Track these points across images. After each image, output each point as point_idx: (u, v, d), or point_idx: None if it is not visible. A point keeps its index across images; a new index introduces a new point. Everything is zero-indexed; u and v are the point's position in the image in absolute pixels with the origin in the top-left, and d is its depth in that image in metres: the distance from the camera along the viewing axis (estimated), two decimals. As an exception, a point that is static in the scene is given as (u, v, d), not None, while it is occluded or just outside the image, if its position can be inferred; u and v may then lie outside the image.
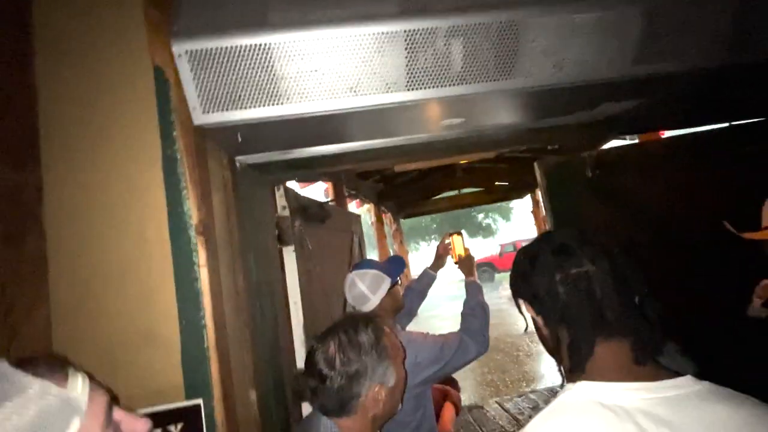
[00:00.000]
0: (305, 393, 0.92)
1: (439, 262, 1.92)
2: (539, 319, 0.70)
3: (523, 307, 0.73)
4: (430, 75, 1.04)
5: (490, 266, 16.65)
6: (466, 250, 1.80)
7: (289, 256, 1.73)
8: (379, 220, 8.30)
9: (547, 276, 0.65)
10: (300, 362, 1.68)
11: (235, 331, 1.13)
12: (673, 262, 1.87)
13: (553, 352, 0.70)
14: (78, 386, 0.45)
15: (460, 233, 1.85)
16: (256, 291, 1.36)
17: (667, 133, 2.66)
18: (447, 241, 1.84)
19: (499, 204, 18.83)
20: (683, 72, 1.15)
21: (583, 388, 0.59)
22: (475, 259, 1.82)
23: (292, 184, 2.00)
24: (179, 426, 0.93)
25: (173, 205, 0.98)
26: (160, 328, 0.95)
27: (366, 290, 1.49)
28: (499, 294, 12.60)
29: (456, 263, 1.81)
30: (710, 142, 2.06)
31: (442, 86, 1.07)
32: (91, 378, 0.48)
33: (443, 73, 1.06)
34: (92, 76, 1.01)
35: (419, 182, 7.58)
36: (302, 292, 1.73)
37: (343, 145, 1.39)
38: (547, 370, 5.48)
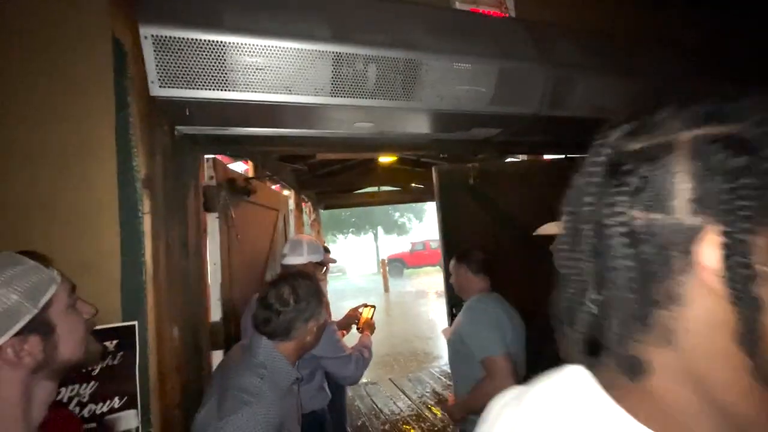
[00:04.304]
0: (257, 322, 1.16)
1: (345, 321, 2.28)
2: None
3: None
4: (350, 87, 1.39)
5: (401, 262, 17.75)
6: (371, 318, 2.19)
7: (212, 222, 1.92)
8: (299, 208, 8.39)
9: None
10: (215, 317, 1.89)
11: (166, 273, 1.33)
12: (526, 254, 2.50)
13: None
14: (55, 271, 0.72)
15: (373, 306, 2.25)
16: (183, 247, 1.55)
17: (548, 157, 3.35)
18: (360, 310, 2.22)
19: (414, 204, 20.07)
20: (522, 114, 1.68)
21: None
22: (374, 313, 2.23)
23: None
24: (114, 342, 1.12)
25: (123, 159, 1.16)
26: (101, 261, 1.13)
27: (305, 245, 1.83)
28: (406, 288, 13.54)
29: (358, 329, 2.16)
30: (554, 168, 2.78)
31: (358, 97, 1.42)
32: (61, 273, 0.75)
33: (360, 88, 1.41)
34: (50, 34, 1.13)
35: (341, 175, 7.87)
36: (222, 256, 1.94)
37: (272, 129, 1.65)
38: (440, 353, 6.27)
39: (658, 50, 1.92)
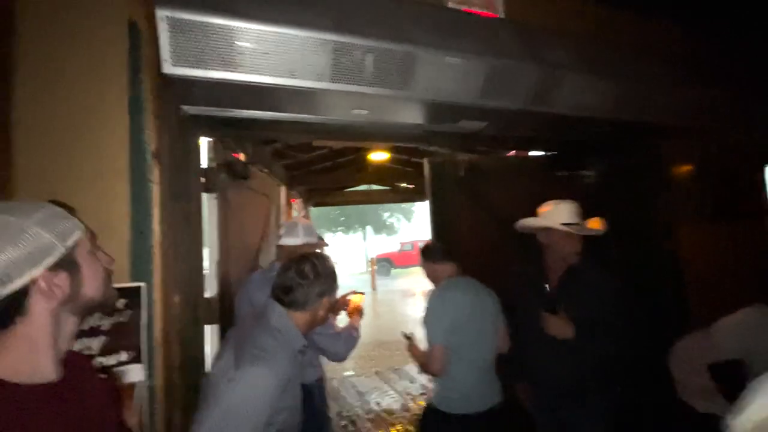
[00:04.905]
0: (277, 291, 1.23)
1: (336, 307, 2.32)
2: None
3: None
4: (349, 75, 1.49)
5: (388, 261, 17.88)
6: (360, 304, 2.23)
7: (211, 203, 2.00)
8: (288, 204, 8.43)
9: None
10: (210, 293, 1.96)
11: (171, 243, 1.41)
12: (509, 244, 2.61)
13: None
14: (78, 221, 0.78)
15: (362, 293, 2.31)
16: (185, 221, 1.62)
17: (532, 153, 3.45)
18: (349, 297, 2.24)
19: (403, 205, 20.19)
20: (508, 108, 1.80)
21: None
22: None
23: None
24: (123, 301, 1.20)
25: (135, 131, 1.24)
26: (113, 226, 1.20)
27: (301, 228, 1.90)
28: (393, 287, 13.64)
29: (347, 314, 2.19)
30: (536, 164, 2.92)
31: (356, 84, 1.52)
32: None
33: (358, 76, 1.51)
34: (69, 15, 1.20)
35: (332, 173, 7.93)
36: (219, 235, 2.01)
37: (274, 113, 1.74)
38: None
39: (641, 56, 2.07)
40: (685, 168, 2.49)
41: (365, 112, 1.74)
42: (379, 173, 8.32)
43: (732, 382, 1.32)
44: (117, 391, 1.00)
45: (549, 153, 2.65)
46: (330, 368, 5.29)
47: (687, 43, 2.37)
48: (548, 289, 1.82)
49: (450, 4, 1.95)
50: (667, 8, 2.36)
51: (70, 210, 0.80)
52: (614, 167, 2.61)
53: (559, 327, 1.68)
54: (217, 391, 1.01)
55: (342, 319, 2.41)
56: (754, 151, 2.83)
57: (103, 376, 1.09)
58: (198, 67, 1.27)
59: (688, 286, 2.39)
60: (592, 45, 1.91)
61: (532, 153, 3.00)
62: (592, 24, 2.15)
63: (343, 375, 5.36)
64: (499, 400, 1.79)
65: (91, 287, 0.77)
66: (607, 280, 1.76)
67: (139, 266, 1.22)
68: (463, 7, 1.96)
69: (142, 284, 1.22)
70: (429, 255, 1.92)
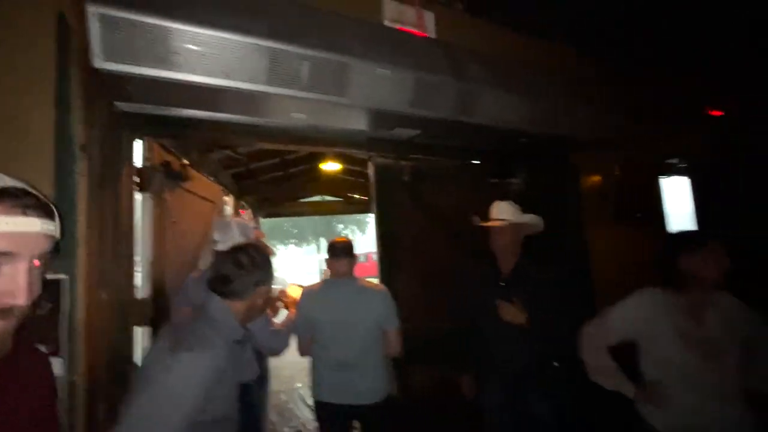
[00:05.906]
0: (214, 282, 1.24)
1: (273, 301, 2.29)
2: None
3: None
4: (285, 79, 1.58)
5: (342, 274, 17.72)
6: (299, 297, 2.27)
7: (146, 203, 1.96)
8: (237, 214, 8.17)
9: None
10: (143, 294, 1.91)
11: (98, 239, 1.39)
12: (450, 245, 2.79)
13: None
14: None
15: (301, 285, 2.34)
16: (115, 219, 1.60)
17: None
18: (286, 290, 2.28)
19: (357, 216, 20.28)
20: (436, 118, 1.99)
21: None
22: None
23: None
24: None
25: (61, 124, 1.23)
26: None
27: (235, 228, 1.92)
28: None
29: (285, 307, 2.25)
30: (471, 171, 3.16)
31: (293, 89, 1.62)
32: None
33: (294, 81, 1.61)
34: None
35: (283, 183, 7.84)
36: (155, 236, 1.97)
37: (210, 113, 1.78)
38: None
39: (548, 78, 2.38)
40: (591, 177, 2.86)
41: (303, 116, 1.83)
42: (332, 184, 8.36)
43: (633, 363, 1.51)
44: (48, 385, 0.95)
45: (480, 162, 2.90)
46: (279, 381, 5.16)
47: (588, 69, 2.76)
48: (502, 282, 1.98)
49: (386, 22, 2.13)
50: (572, 37, 2.74)
51: (34, 198, 0.61)
52: (535, 174, 2.92)
53: (513, 313, 1.83)
54: (148, 377, 1.01)
55: (281, 314, 2.40)
56: (651, 164, 3.32)
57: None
58: (131, 64, 1.30)
59: (595, 281, 2.72)
60: (506, 65, 2.18)
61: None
62: (508, 48, 2.45)
63: (293, 387, 5.25)
64: (372, 402, 1.87)
65: None
66: (550, 271, 1.97)
67: (62, 258, 1.20)
68: (398, 26, 2.15)
69: (63, 276, 1.20)
70: (327, 252, 2.08)
